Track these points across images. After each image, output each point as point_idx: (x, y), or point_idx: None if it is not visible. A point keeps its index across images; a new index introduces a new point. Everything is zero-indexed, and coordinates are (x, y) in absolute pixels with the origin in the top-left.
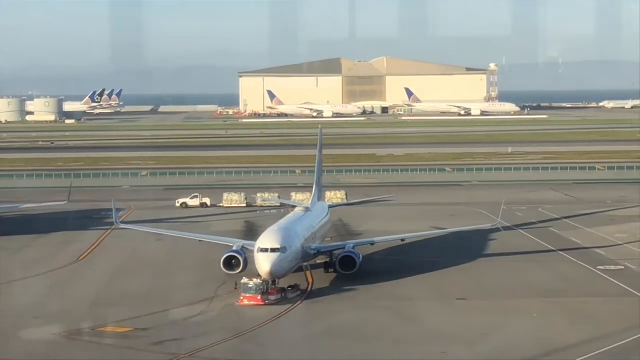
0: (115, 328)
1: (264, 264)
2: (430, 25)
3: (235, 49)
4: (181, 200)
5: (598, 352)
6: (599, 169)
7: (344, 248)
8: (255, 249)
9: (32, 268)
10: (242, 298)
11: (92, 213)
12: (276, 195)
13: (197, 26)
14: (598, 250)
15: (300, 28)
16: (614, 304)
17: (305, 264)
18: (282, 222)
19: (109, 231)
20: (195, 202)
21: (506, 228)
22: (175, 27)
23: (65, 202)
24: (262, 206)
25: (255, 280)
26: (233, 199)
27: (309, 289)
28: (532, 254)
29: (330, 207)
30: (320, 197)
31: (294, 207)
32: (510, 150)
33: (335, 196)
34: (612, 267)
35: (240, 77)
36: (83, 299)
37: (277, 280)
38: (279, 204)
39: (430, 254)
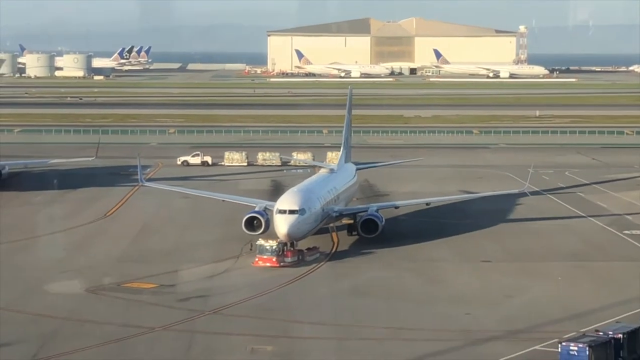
0: (140, 284)
1: (281, 225)
2: None
3: (264, 7)
4: (182, 158)
5: (621, 316)
6: (627, 134)
7: (366, 211)
8: (274, 210)
9: (59, 223)
10: (257, 259)
11: (120, 169)
12: (277, 154)
13: None
14: (624, 215)
15: None
16: (638, 268)
17: (331, 225)
18: (304, 183)
19: (136, 188)
20: (196, 160)
21: (533, 192)
22: None
23: (93, 158)
24: (293, 165)
25: (271, 241)
26: (234, 158)
27: (333, 250)
28: (558, 218)
29: (358, 169)
30: (348, 158)
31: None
32: (538, 113)
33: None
34: (638, 232)
35: (269, 35)
36: (109, 255)
37: (295, 242)
38: (280, 164)
39: (457, 217)
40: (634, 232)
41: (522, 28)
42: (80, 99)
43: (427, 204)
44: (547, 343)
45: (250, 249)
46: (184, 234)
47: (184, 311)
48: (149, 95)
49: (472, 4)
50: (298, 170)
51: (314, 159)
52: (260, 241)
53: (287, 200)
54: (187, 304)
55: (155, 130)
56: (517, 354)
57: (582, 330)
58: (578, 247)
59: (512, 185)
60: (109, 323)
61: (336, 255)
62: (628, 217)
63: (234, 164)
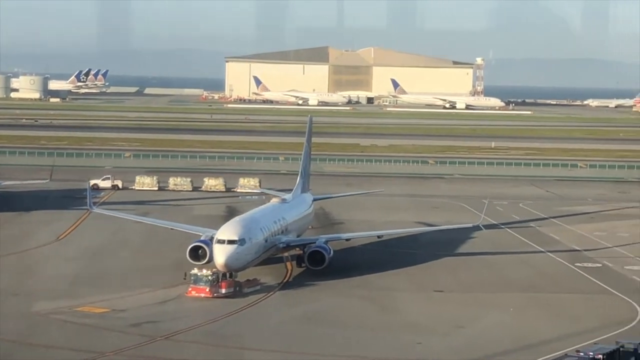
0: (92, 308)
1: (218, 256)
2: (418, 18)
3: (223, 33)
4: (93, 182)
5: (572, 348)
6: (580, 167)
7: (315, 242)
8: (214, 240)
9: (11, 245)
10: (190, 289)
11: (74, 193)
12: (189, 179)
13: (184, 9)
14: (576, 247)
15: (288, 15)
16: (590, 300)
17: (286, 254)
18: (249, 213)
19: (89, 212)
20: (106, 183)
21: (488, 224)
22: (163, 9)
23: (47, 180)
24: (242, 192)
25: (206, 271)
26: (145, 182)
27: (286, 279)
28: (511, 249)
29: (315, 199)
30: (305, 188)
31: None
32: (493, 144)
33: (248, 183)
34: (590, 265)
35: (227, 62)
36: (61, 278)
37: (234, 274)
38: (191, 189)
39: (411, 247)
40: (585, 264)
41: (479, 60)
42: (36, 121)
43: (378, 237)
44: None
45: (184, 279)
46: (134, 259)
47: (136, 336)
48: (105, 118)
49: (430, 35)
50: (253, 197)
51: (260, 185)
52: (195, 270)
53: (227, 230)
54: (138, 329)
55: (111, 154)
56: None
57: (563, 350)
58: (530, 278)
59: (467, 215)
60: (59, 347)
61: (288, 285)
62: (580, 249)
63: (144, 188)
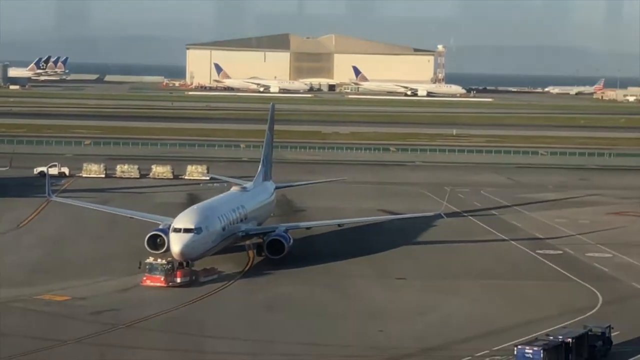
0: (53, 296)
1: (174, 244)
2: (379, 5)
3: (183, 20)
4: (39, 169)
5: (537, 333)
6: (541, 154)
7: (274, 231)
8: (170, 228)
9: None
10: (145, 278)
11: (34, 180)
12: (136, 167)
13: None
14: (537, 234)
15: (249, 2)
16: (551, 287)
17: (248, 243)
18: (207, 201)
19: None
20: (53, 170)
21: (450, 213)
22: None
23: (7, 168)
24: (191, 180)
25: (161, 260)
26: (92, 169)
27: (247, 268)
28: (472, 236)
29: (277, 188)
30: (267, 177)
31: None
32: (454, 132)
33: (195, 170)
34: (551, 252)
35: (188, 49)
36: (22, 266)
37: (191, 263)
38: (139, 176)
39: (372, 235)
40: (546, 251)
41: (440, 47)
42: None
43: (339, 225)
44: None
45: (139, 267)
46: (95, 246)
47: (97, 325)
48: (65, 106)
49: (391, 23)
50: (215, 185)
51: (208, 172)
52: (150, 259)
53: (184, 219)
54: (99, 316)
55: (71, 141)
56: None
57: (533, 335)
58: (491, 265)
59: (429, 202)
60: (19, 335)
61: (249, 274)
62: (541, 236)
63: (91, 175)
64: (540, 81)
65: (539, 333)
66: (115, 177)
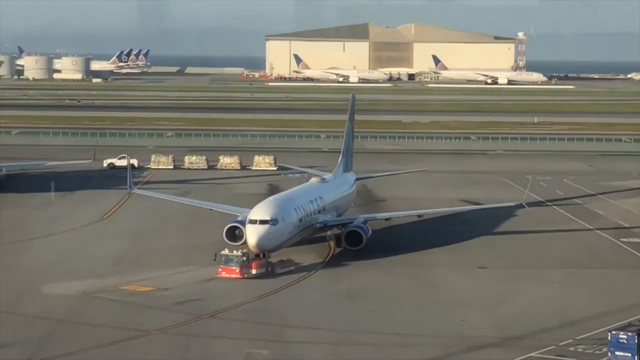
0: (137, 287)
1: (250, 236)
2: None
3: (262, 11)
4: (108, 161)
5: (616, 324)
6: (625, 141)
7: (352, 222)
8: (247, 220)
9: (56, 225)
10: (220, 269)
11: (117, 172)
12: (204, 157)
13: None
14: (621, 222)
15: None
16: (635, 276)
17: (329, 233)
18: (284, 193)
19: (132, 192)
20: (122, 162)
21: (531, 202)
22: None
23: (91, 160)
24: (286, 170)
25: (236, 252)
26: (160, 160)
27: (328, 258)
28: (555, 225)
29: (358, 179)
30: (347, 167)
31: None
32: (536, 120)
33: (263, 160)
34: (636, 240)
35: (267, 40)
36: (107, 257)
37: (267, 254)
38: (206, 167)
39: (453, 225)
40: (630, 239)
41: (520, 35)
42: (79, 101)
43: (418, 216)
44: (543, 350)
45: (214, 259)
46: (179, 237)
47: (181, 314)
48: (146, 98)
49: (471, 11)
50: (295, 175)
51: (275, 162)
52: (225, 251)
53: (260, 210)
54: (183, 307)
55: (153, 133)
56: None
57: (627, 320)
58: (575, 254)
59: (510, 191)
60: (105, 325)
61: (329, 264)
62: (625, 224)
63: (159, 167)
64: (623, 67)
65: (633, 319)
66: (184, 168)
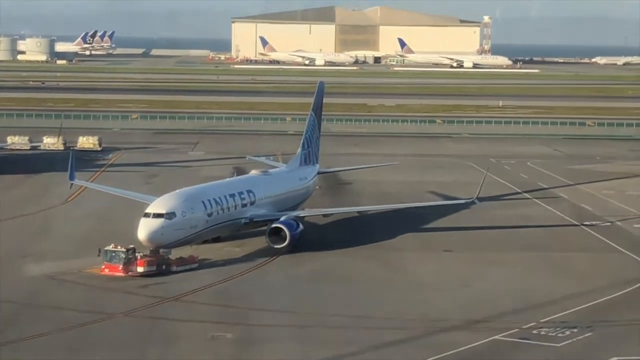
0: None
1: (140, 230)
2: None
3: None
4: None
5: (579, 307)
6: (589, 125)
7: (279, 218)
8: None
9: (20, 208)
10: (103, 267)
11: (82, 154)
12: (26, 138)
13: None
14: (585, 206)
15: None
16: (599, 259)
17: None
18: (196, 186)
19: (98, 173)
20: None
21: (492, 184)
22: None
23: (55, 142)
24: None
25: (120, 247)
26: (14, 140)
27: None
28: (518, 208)
29: (320, 173)
30: (308, 160)
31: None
32: (501, 103)
33: (87, 141)
34: (598, 223)
35: (233, 22)
36: (71, 239)
37: (162, 250)
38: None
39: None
40: (594, 223)
41: (486, 18)
42: (43, 83)
43: (358, 213)
44: (507, 333)
45: (98, 255)
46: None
47: (147, 298)
48: (111, 80)
49: None
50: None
51: (100, 144)
52: (111, 246)
53: (157, 203)
54: (147, 290)
55: (118, 115)
56: (477, 343)
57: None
58: (538, 237)
59: (474, 174)
60: (69, 309)
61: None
62: (588, 207)
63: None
64: (587, 51)
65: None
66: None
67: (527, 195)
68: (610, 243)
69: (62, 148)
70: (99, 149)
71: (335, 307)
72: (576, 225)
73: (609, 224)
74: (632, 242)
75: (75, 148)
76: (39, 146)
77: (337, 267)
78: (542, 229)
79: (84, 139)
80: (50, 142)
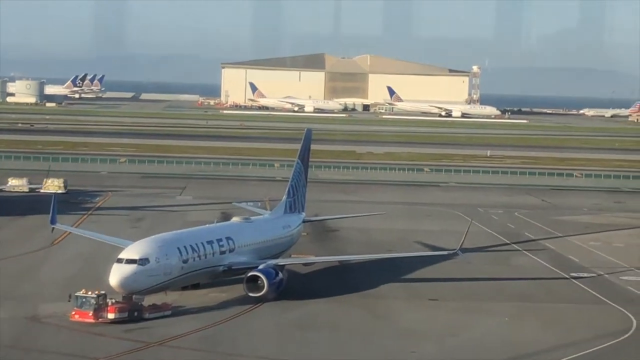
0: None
1: (112, 276)
2: (414, 25)
3: (219, 39)
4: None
5: (566, 358)
6: (576, 176)
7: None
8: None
9: (6, 250)
10: (74, 312)
11: (69, 197)
12: (24, 179)
13: (181, 14)
14: (572, 257)
15: (284, 22)
16: (585, 311)
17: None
18: (174, 232)
19: (85, 216)
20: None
21: (478, 233)
22: (159, 14)
23: (20, 184)
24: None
25: (91, 293)
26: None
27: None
28: (506, 259)
29: (306, 221)
30: (293, 208)
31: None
32: (489, 153)
33: (52, 183)
34: (585, 275)
35: (223, 68)
36: (56, 282)
37: (135, 297)
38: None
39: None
40: (580, 274)
41: (475, 68)
42: (32, 125)
43: (339, 262)
44: None
45: (69, 301)
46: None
47: (131, 342)
48: (100, 123)
49: (426, 43)
50: (259, 204)
51: (65, 186)
52: (82, 292)
53: (130, 249)
54: (132, 334)
55: (106, 159)
56: None
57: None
58: (525, 287)
59: (460, 223)
60: (52, 352)
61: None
62: (575, 259)
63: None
64: (575, 103)
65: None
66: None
67: (514, 245)
68: (597, 295)
69: (27, 190)
70: (64, 191)
71: (321, 354)
72: (563, 276)
73: (595, 275)
74: (618, 294)
75: (41, 190)
76: (2, 189)
77: (321, 315)
78: (528, 279)
79: (50, 181)
80: (16, 184)
